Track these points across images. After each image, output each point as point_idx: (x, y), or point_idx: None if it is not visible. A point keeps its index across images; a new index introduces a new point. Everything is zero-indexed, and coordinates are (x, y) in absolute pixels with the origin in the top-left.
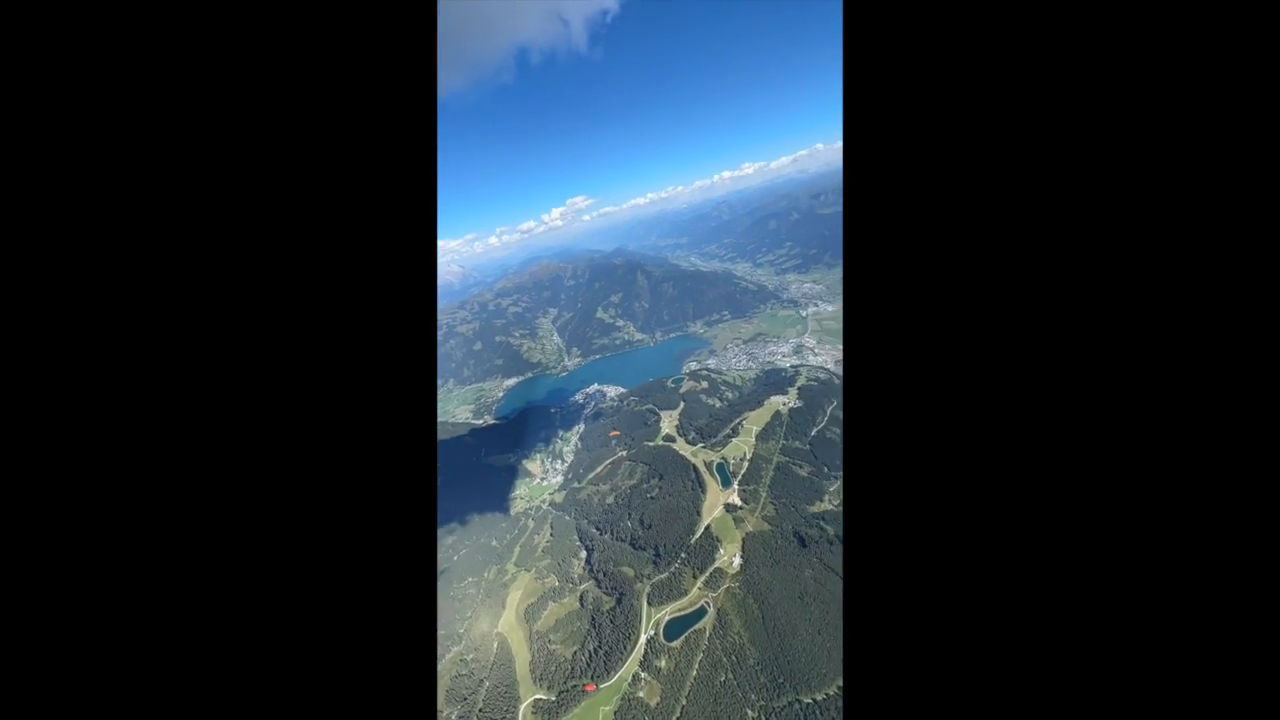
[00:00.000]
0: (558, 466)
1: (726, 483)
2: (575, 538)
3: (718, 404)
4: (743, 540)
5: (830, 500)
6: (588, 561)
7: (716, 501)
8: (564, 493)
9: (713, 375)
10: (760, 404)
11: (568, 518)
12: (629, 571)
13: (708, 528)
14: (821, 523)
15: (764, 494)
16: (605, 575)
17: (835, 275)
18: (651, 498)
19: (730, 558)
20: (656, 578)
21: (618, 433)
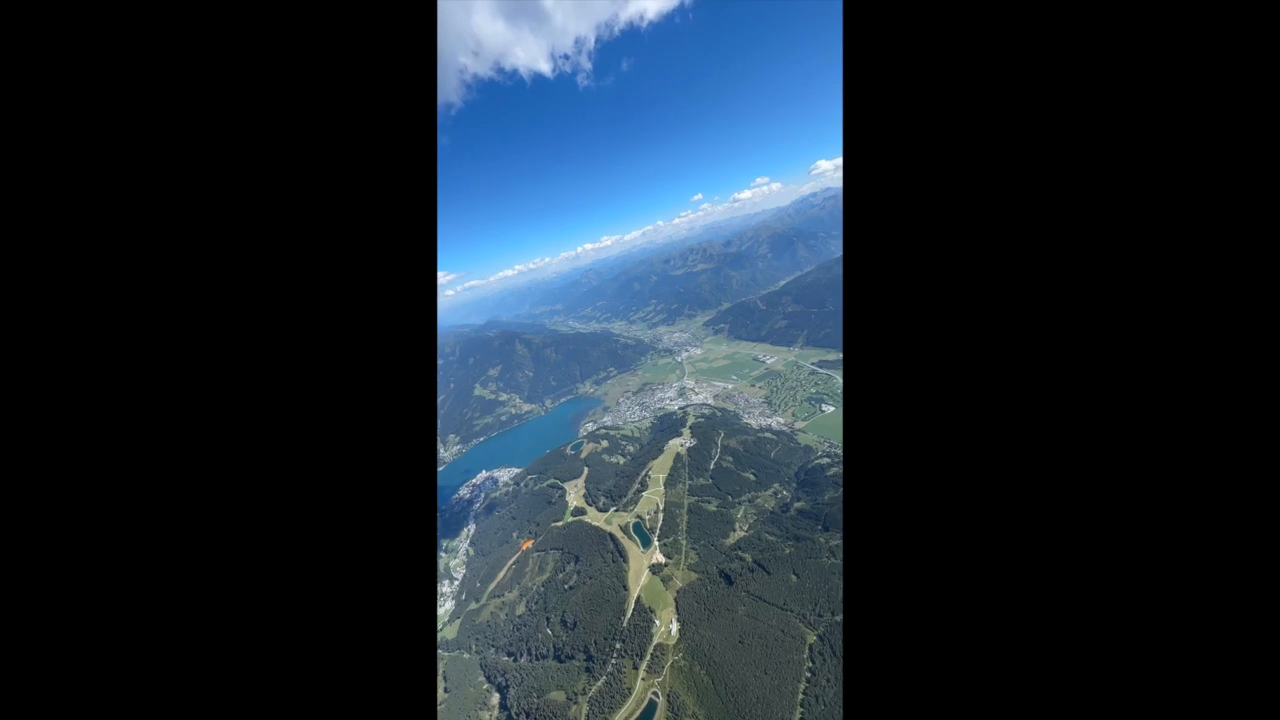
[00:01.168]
0: (446, 590)
1: (646, 542)
2: (481, 679)
3: (621, 460)
4: (675, 601)
5: (741, 526)
6: (502, 705)
7: (641, 567)
8: (458, 623)
9: (611, 433)
10: (661, 450)
11: (467, 655)
12: (559, 696)
13: (638, 600)
14: (739, 553)
15: (684, 542)
16: (530, 716)
17: (697, 324)
18: (570, 588)
19: (667, 626)
20: (593, 688)
21: (529, 543)
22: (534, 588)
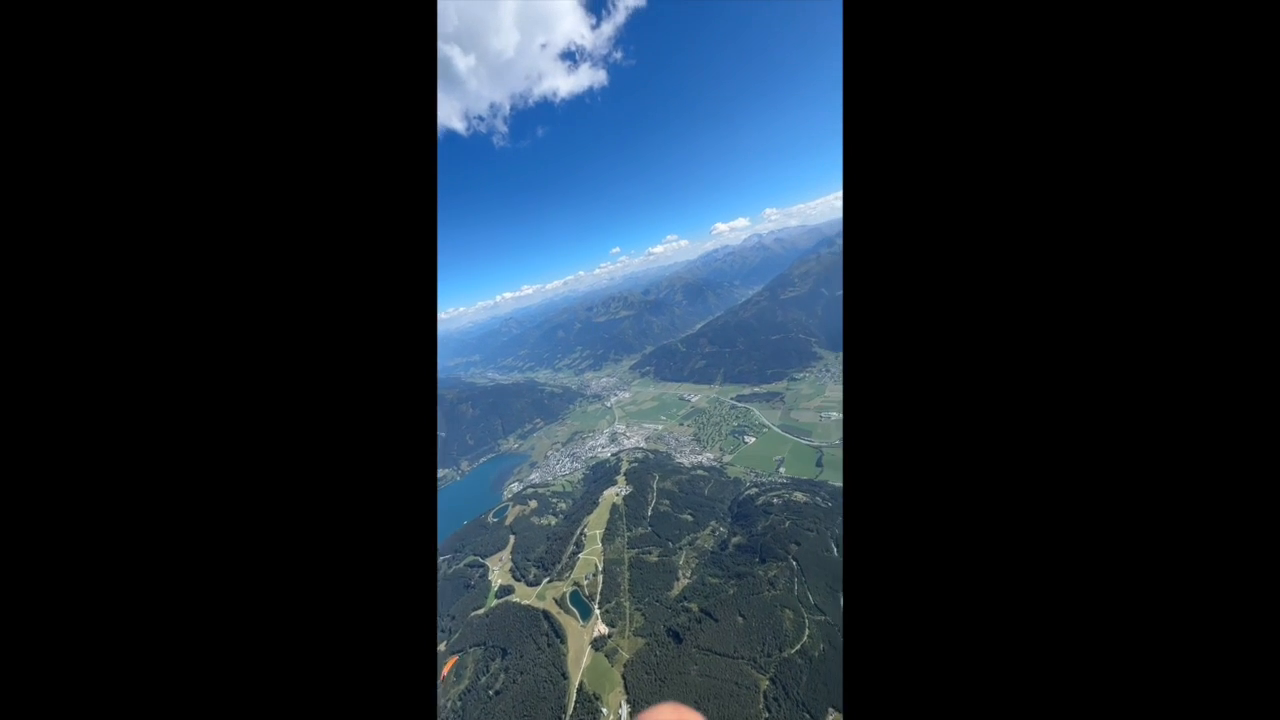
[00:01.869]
0: None
1: (586, 614)
2: None
3: (553, 521)
4: (623, 678)
5: (684, 574)
6: None
7: (582, 645)
8: None
9: (540, 491)
10: (596, 503)
11: None
12: None
13: (580, 688)
14: (685, 604)
15: (628, 604)
16: None
17: (624, 367)
18: (496, 693)
19: (616, 712)
20: None
21: (451, 665)
22: (448, 705)
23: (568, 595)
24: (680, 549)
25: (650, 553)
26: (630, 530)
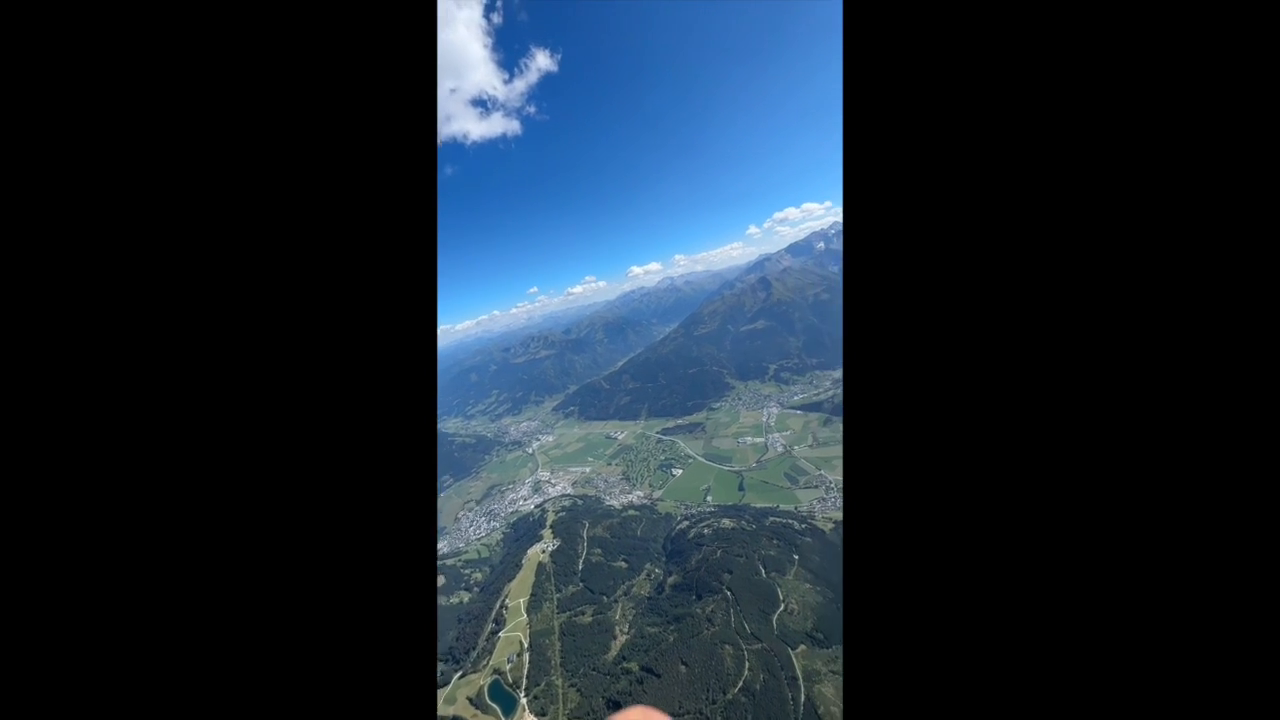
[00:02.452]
0: None
1: (510, 706)
2: None
3: (465, 598)
4: None
5: (621, 629)
6: None
7: None
8: None
9: (448, 563)
10: (519, 565)
11: None
12: None
13: None
14: (625, 664)
15: (559, 682)
16: None
17: (546, 409)
18: None
19: None
20: None
21: None
22: None
23: (486, 688)
24: (616, 601)
25: (583, 613)
26: (560, 590)
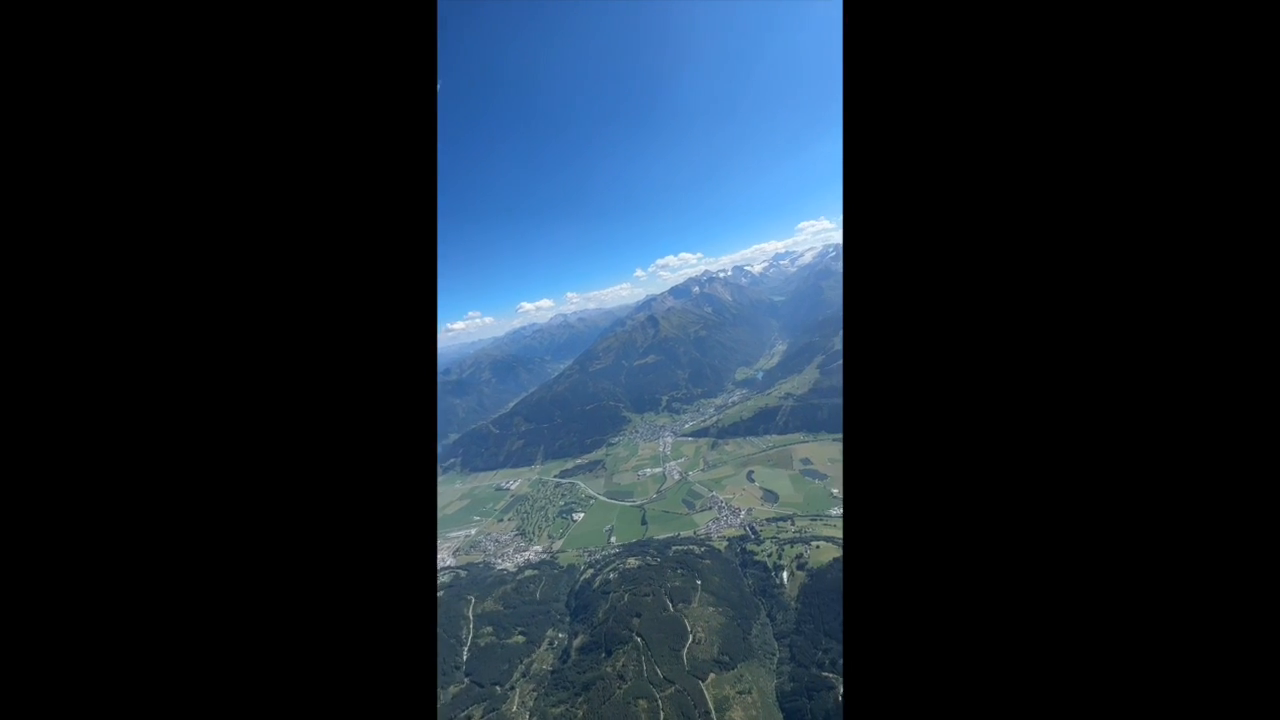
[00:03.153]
0: None
1: None
2: None
3: None
4: None
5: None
6: None
7: None
8: None
9: None
10: None
11: None
12: None
13: None
14: None
15: None
16: None
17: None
18: None
19: None
20: None
21: None
22: None
23: None
24: (513, 688)
25: (470, 717)
26: (440, 691)
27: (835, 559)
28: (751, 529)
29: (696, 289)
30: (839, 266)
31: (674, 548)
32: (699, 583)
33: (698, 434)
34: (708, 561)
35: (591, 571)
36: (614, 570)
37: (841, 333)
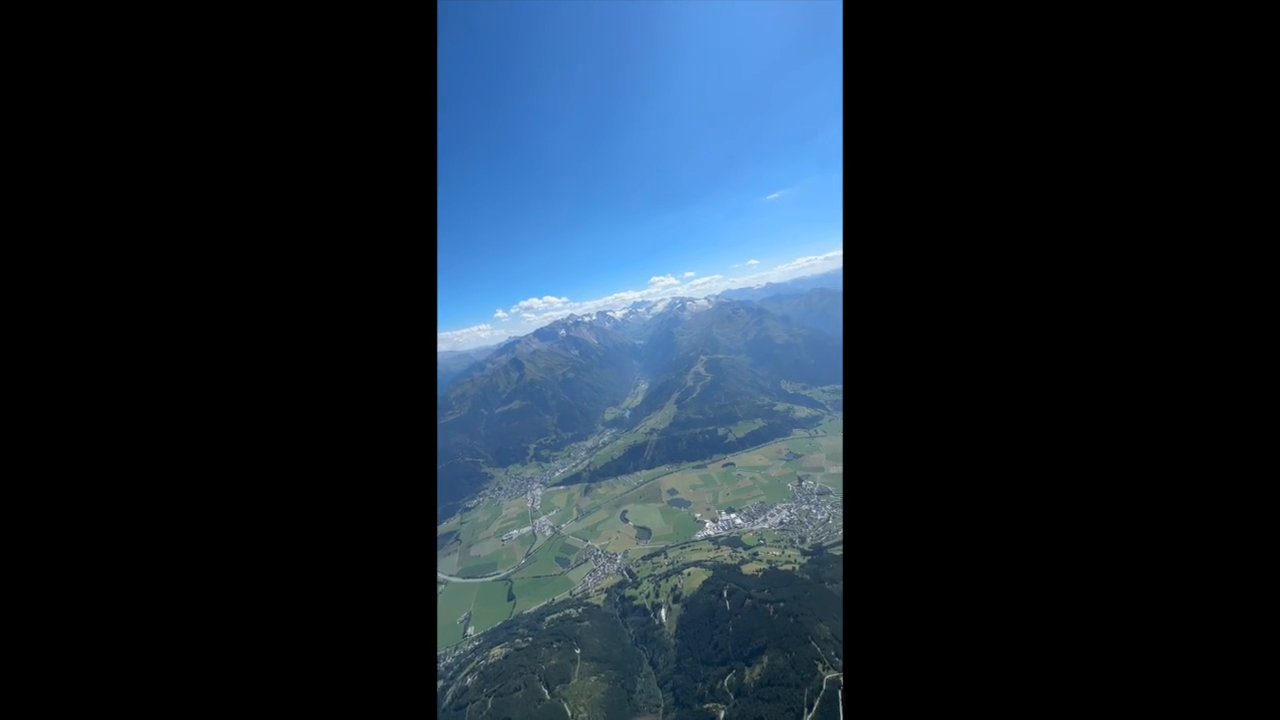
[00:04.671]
0: None
1: None
2: None
3: None
4: None
5: None
6: None
7: None
8: None
9: None
10: None
11: None
12: None
13: None
14: None
15: None
16: None
17: None
18: None
19: None
20: None
21: None
22: None
23: None
24: None
25: None
26: None
27: (704, 582)
28: (628, 572)
29: (563, 332)
30: (686, 316)
31: (548, 618)
32: (578, 652)
33: (570, 481)
34: (586, 623)
35: (443, 682)
36: (472, 673)
37: (693, 369)
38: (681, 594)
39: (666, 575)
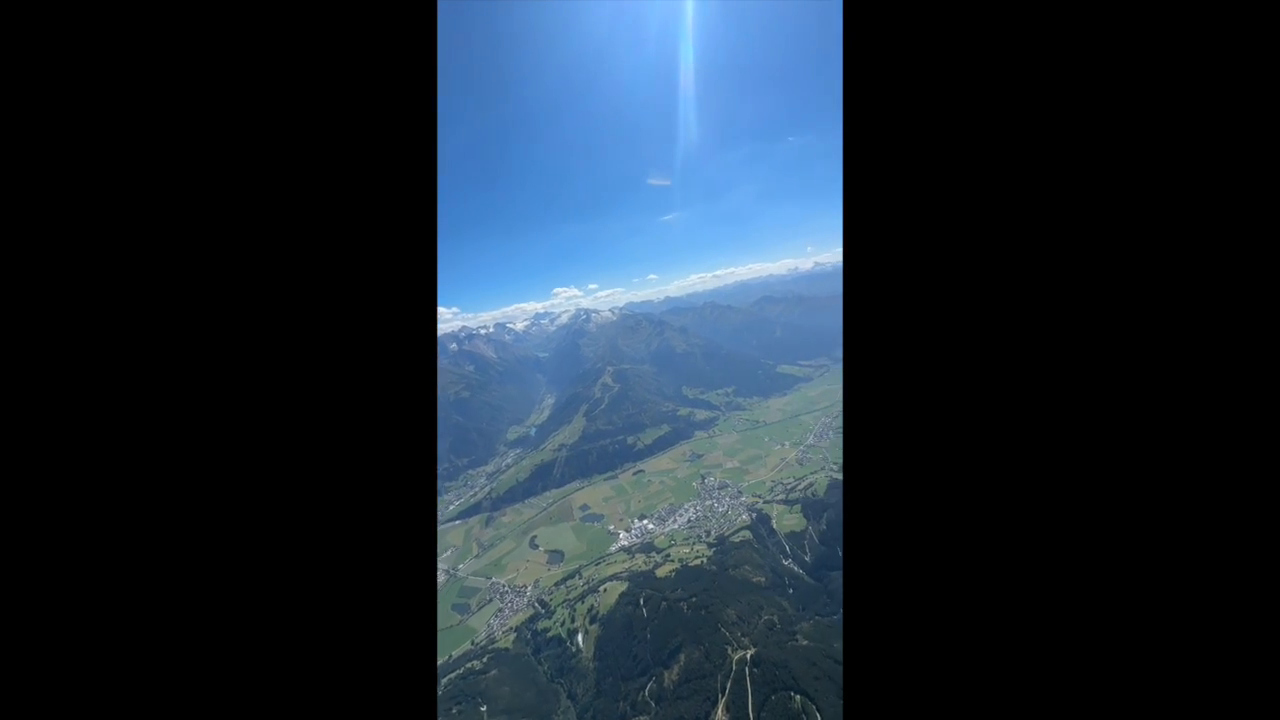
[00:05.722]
0: None
1: None
2: None
3: None
4: None
5: None
6: None
7: None
8: None
9: None
10: None
11: None
12: None
13: None
14: None
15: None
16: None
17: None
18: None
19: None
20: None
21: None
22: None
23: None
24: None
25: None
26: None
27: (621, 594)
28: (540, 603)
29: (455, 346)
30: (591, 327)
31: (445, 679)
32: (484, 709)
33: (467, 513)
34: (493, 673)
35: None
36: None
37: (600, 380)
38: (598, 613)
39: (582, 596)
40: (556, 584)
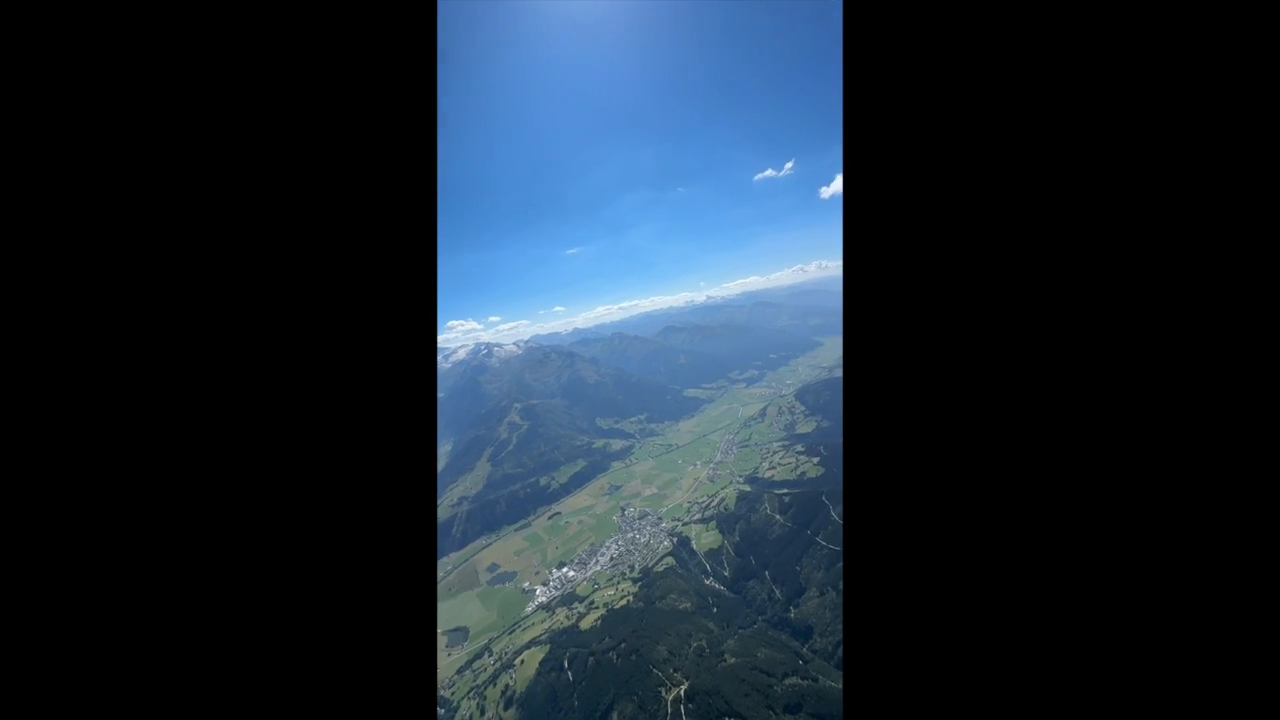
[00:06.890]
0: None
1: None
2: None
3: None
4: None
5: None
6: None
7: None
8: None
9: None
10: None
11: None
12: None
13: None
14: None
15: None
16: None
17: None
18: None
19: None
20: None
21: None
22: None
23: None
24: None
25: None
26: None
27: (541, 661)
28: (440, 702)
29: None
30: (494, 363)
31: None
32: None
33: None
34: None
35: None
36: None
37: (507, 419)
38: (515, 692)
39: (494, 678)
40: (459, 671)
